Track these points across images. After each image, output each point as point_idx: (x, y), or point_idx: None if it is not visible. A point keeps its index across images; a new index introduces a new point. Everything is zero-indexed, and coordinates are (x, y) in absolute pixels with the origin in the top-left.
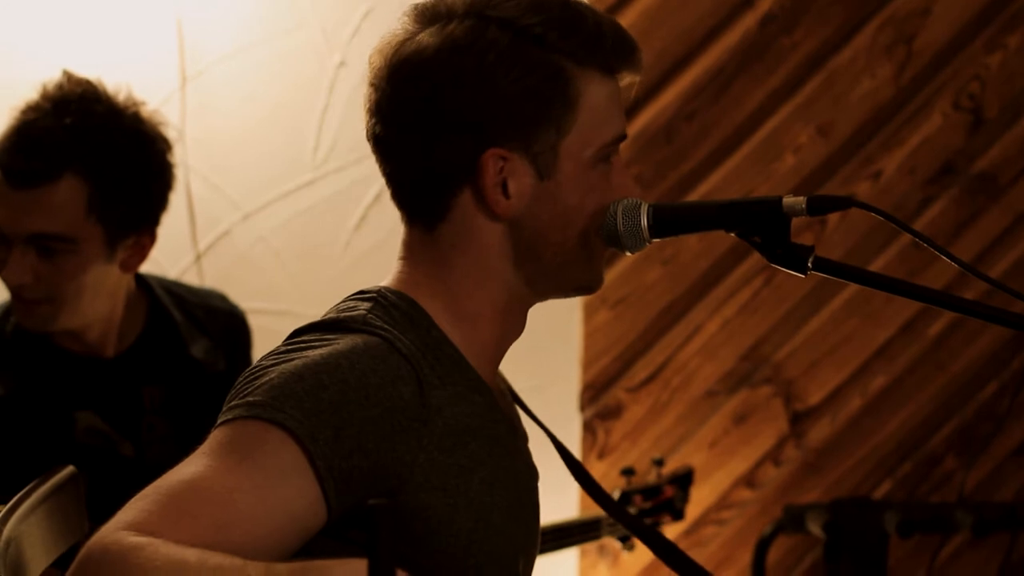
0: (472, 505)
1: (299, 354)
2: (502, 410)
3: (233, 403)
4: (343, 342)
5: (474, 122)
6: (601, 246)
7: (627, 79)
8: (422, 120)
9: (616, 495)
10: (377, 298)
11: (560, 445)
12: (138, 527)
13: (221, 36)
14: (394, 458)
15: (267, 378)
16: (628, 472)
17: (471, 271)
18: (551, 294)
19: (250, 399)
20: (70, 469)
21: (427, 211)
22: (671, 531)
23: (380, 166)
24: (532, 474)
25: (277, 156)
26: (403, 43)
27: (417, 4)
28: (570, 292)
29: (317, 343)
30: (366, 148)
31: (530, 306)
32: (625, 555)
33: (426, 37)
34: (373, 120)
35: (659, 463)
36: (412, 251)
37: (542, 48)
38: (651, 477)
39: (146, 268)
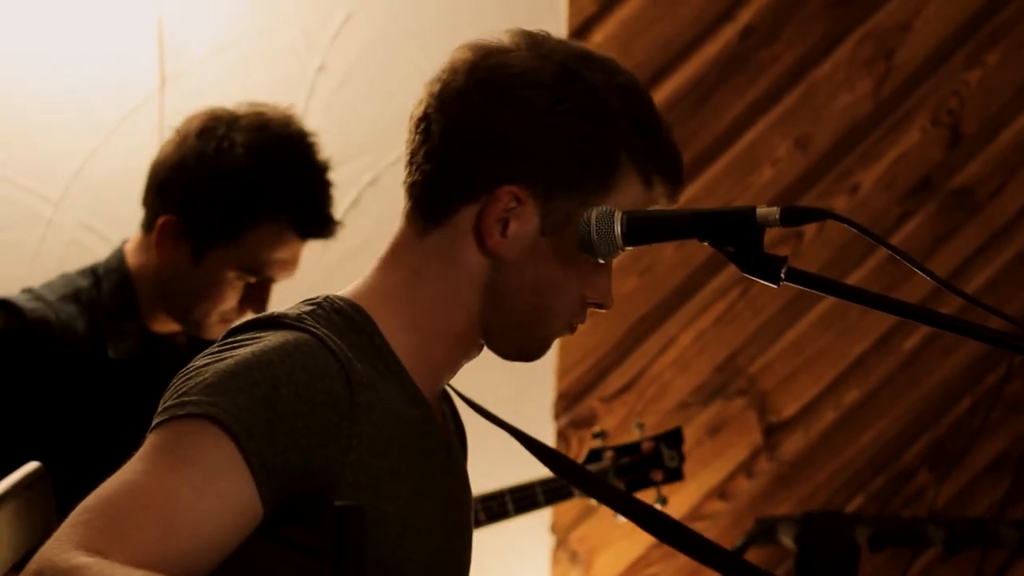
0: (401, 511)
1: (231, 352)
2: (439, 427)
3: (168, 404)
4: (273, 338)
5: (514, 152)
6: (559, 330)
7: (660, 202)
8: (473, 123)
9: (584, 454)
10: (320, 302)
11: (519, 432)
12: (83, 544)
13: (202, 36)
14: (325, 455)
15: (201, 378)
16: (600, 435)
17: (442, 286)
18: (493, 347)
19: (184, 399)
20: (38, 467)
21: (430, 209)
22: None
23: (411, 144)
24: (467, 495)
25: None
26: (499, 48)
27: (525, 29)
28: (511, 354)
29: (249, 341)
30: (343, 154)
31: (480, 345)
32: (598, 560)
33: (521, 58)
34: (430, 99)
35: (640, 426)
36: (396, 252)
37: (610, 128)
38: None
39: None
